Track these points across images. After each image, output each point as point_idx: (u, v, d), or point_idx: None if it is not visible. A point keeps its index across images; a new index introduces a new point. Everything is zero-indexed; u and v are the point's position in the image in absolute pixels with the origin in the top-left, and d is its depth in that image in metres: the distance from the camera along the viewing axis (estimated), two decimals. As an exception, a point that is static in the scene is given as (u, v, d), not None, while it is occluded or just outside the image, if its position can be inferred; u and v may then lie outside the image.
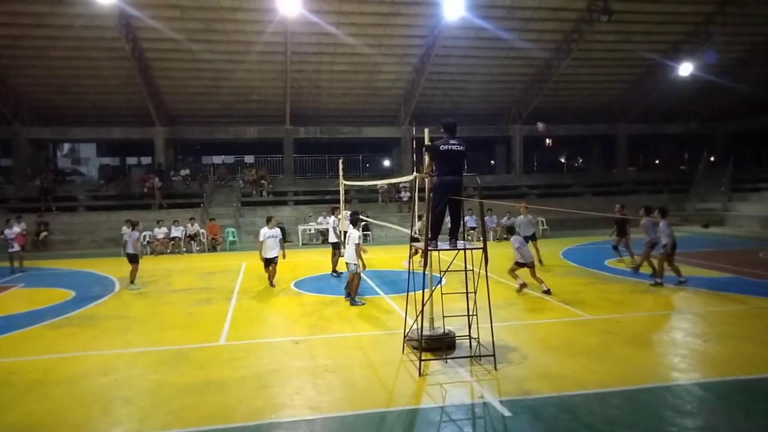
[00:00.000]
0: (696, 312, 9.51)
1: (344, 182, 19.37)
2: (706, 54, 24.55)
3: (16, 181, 25.93)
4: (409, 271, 7.33)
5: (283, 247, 12.77)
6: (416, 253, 8.38)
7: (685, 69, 24.79)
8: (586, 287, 11.78)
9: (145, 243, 20.12)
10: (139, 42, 21.79)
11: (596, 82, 27.71)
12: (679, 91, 28.18)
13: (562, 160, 40.31)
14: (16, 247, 15.73)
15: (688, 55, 24.64)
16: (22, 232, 16.40)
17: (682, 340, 7.88)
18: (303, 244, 21.75)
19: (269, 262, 12.46)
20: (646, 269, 12.75)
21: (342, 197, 19.57)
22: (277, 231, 12.78)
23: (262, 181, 26.77)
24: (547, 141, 35.87)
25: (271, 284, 12.48)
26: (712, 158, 31.23)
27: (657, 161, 37.36)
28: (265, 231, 12.45)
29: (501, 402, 5.69)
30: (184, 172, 27.94)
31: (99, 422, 5.51)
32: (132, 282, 12.61)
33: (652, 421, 5.28)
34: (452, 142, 7.05)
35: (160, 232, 20.21)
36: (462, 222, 7.69)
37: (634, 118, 30.03)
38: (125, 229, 13.96)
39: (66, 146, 38.07)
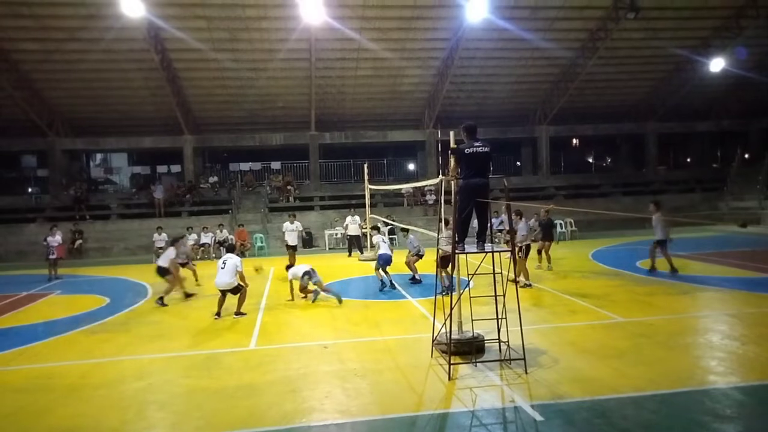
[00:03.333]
0: (733, 314, 9.24)
1: (370, 186, 19.51)
2: (738, 49, 23.92)
3: (52, 190, 26.71)
4: (436, 275, 7.30)
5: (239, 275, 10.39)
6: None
7: (716, 65, 24.20)
8: (617, 289, 11.56)
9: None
10: (168, 53, 22.26)
11: (624, 80, 27.24)
12: (710, 88, 27.53)
13: (590, 161, 39.67)
14: (56, 254, 16.28)
15: (719, 50, 24.05)
16: (61, 242, 16.96)
17: (719, 343, 7.67)
18: (330, 248, 21.87)
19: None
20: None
21: (368, 201, 19.71)
22: (231, 256, 10.54)
23: (289, 187, 27.04)
24: (574, 141, 35.37)
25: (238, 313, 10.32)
26: (746, 155, 30.35)
27: (688, 159, 36.48)
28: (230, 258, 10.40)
29: (532, 406, 5.63)
30: (213, 179, 28.39)
31: (134, 426, 5.63)
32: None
33: (689, 426, 5.15)
34: (476, 144, 7.02)
35: (190, 239, 20.52)
36: (489, 224, 7.65)
37: (663, 116, 29.40)
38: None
39: (98, 156, 39.03)
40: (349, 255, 19.05)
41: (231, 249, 11.12)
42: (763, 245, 17.86)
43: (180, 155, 27.94)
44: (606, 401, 5.70)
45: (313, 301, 11.41)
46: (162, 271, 12.10)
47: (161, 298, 11.71)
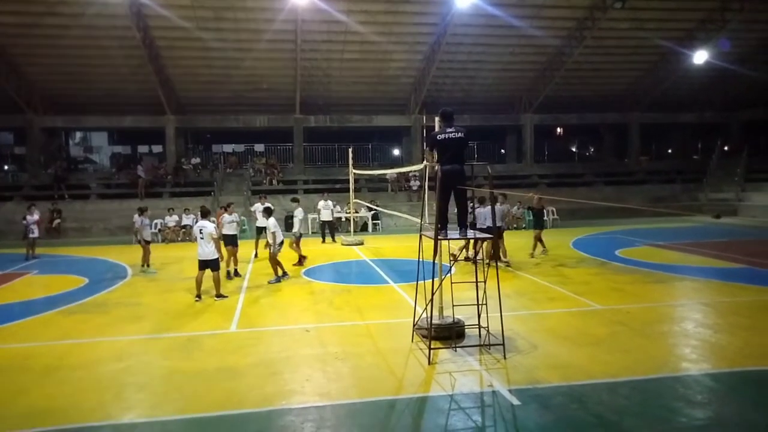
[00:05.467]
0: (707, 303, 9.45)
1: (354, 171, 19.44)
2: (721, 41, 24.14)
3: (30, 169, 26.19)
4: (418, 260, 7.34)
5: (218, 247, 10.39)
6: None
7: (700, 57, 24.42)
8: (596, 277, 11.74)
9: (156, 231, 20.31)
10: (150, 30, 21.81)
11: (609, 70, 27.38)
12: (694, 80, 27.79)
13: (574, 150, 39.97)
14: (36, 233, 16.06)
15: (703, 42, 24.25)
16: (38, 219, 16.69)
17: (693, 331, 7.85)
18: (313, 232, 21.81)
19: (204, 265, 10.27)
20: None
21: (351, 186, 19.66)
22: (205, 223, 10.35)
23: (272, 170, 26.85)
24: (559, 130, 35.57)
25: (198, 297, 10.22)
26: (726, 147, 30.82)
27: (669, 150, 36.95)
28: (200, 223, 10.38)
29: (510, 391, 5.72)
30: (195, 160, 28.07)
31: (113, 407, 5.60)
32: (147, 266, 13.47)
33: (660, 412, 5.28)
34: (449, 130, 7.02)
35: (171, 220, 20.37)
36: (473, 211, 7.68)
37: (647, 107, 29.67)
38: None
39: (78, 134, 38.35)
40: (323, 241, 18.91)
41: (205, 214, 10.66)
42: (738, 236, 18.25)
43: (162, 135, 27.53)
44: (582, 387, 5.81)
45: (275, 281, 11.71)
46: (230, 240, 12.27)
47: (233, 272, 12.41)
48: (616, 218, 23.05)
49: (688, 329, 7.96)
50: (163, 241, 20.06)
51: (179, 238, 20.14)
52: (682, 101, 29.76)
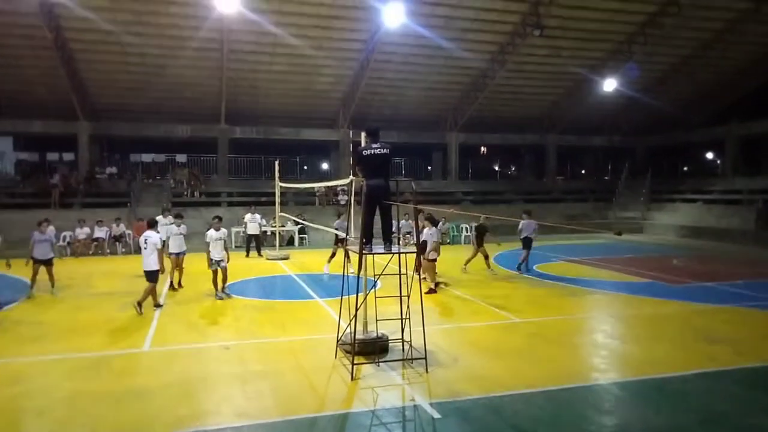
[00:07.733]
0: (615, 315, 10.04)
1: (280, 184, 19.15)
2: (629, 68, 25.95)
3: None
4: (343, 275, 7.30)
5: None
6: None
7: (609, 85, 26.19)
8: (515, 291, 12.17)
9: (65, 244, 19.01)
10: (63, 32, 20.55)
11: (528, 93, 28.74)
12: (604, 106, 29.72)
13: (496, 168, 41.50)
14: None
15: (613, 71, 26.03)
16: None
17: (602, 342, 8.29)
18: (236, 246, 21.21)
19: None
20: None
21: (278, 199, 19.34)
22: (150, 233, 10.03)
23: (193, 182, 25.91)
24: (482, 149, 36.85)
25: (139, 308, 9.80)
26: (632, 170, 33.13)
27: (583, 171, 39.22)
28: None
29: (431, 404, 5.77)
30: (111, 169, 26.61)
31: (5, 435, 5.13)
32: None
33: (572, 420, 5.52)
34: (374, 146, 7.13)
35: (82, 233, 19.10)
36: (398, 226, 7.76)
37: (563, 130, 31.38)
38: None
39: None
40: (247, 255, 18.46)
41: (152, 225, 10.39)
42: (644, 252, 19.57)
43: (74, 142, 25.91)
44: (500, 398, 5.96)
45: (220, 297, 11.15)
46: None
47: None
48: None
49: (598, 340, 8.40)
50: (72, 254, 18.76)
51: (90, 252, 18.92)
52: (594, 126, 31.73)
